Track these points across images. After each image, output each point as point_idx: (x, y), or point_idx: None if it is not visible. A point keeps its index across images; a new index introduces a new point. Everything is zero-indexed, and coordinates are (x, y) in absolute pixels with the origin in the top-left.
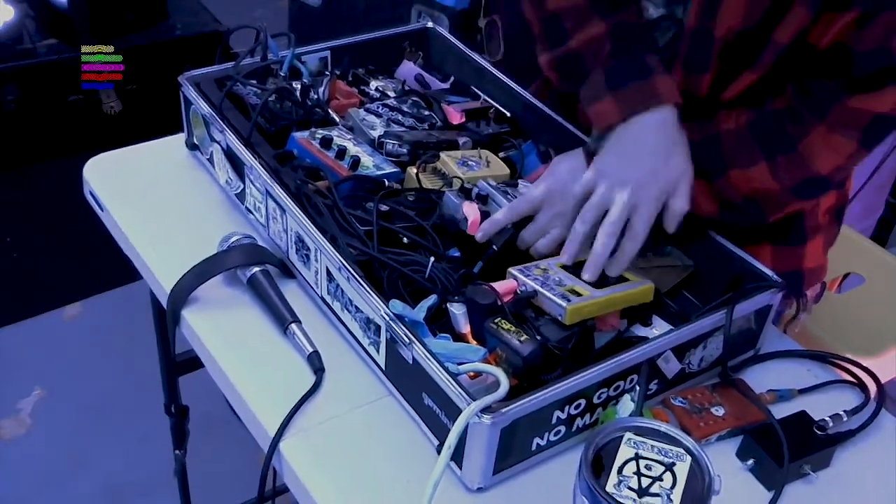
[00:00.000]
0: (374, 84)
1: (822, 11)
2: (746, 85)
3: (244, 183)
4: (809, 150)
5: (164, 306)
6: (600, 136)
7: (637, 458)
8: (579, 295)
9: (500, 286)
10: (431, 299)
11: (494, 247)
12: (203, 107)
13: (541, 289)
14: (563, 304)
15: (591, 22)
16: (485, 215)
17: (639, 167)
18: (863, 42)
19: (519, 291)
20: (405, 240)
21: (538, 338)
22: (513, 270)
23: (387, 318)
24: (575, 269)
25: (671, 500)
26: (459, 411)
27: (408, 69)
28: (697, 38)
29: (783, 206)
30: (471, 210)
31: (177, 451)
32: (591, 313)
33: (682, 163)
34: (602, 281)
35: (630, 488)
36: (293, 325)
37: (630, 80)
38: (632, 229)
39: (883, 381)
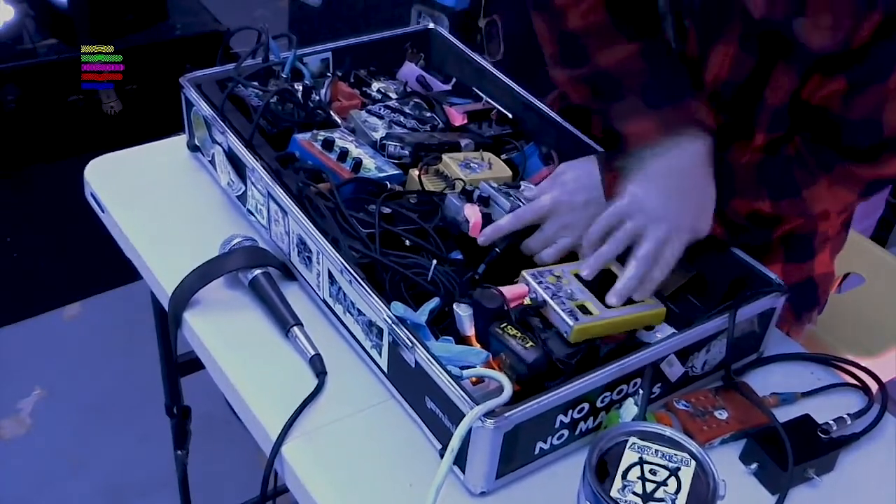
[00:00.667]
0: (375, 85)
1: (809, 74)
2: (757, 146)
3: (246, 185)
4: (812, 196)
5: (166, 308)
6: (631, 154)
7: (641, 462)
8: (589, 313)
9: (509, 290)
10: (434, 302)
11: (497, 249)
12: (204, 108)
13: (551, 300)
14: (571, 322)
15: (617, 42)
16: (486, 217)
17: (679, 204)
18: (852, 111)
19: (529, 299)
20: (407, 242)
21: (543, 348)
22: (526, 275)
23: (389, 321)
24: (589, 281)
25: None
26: (462, 415)
27: (409, 70)
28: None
29: (785, 222)
30: (472, 212)
31: (178, 452)
32: (598, 333)
33: (713, 195)
34: None
35: (635, 493)
36: (295, 328)
37: (669, 101)
38: (662, 259)
39: (884, 381)
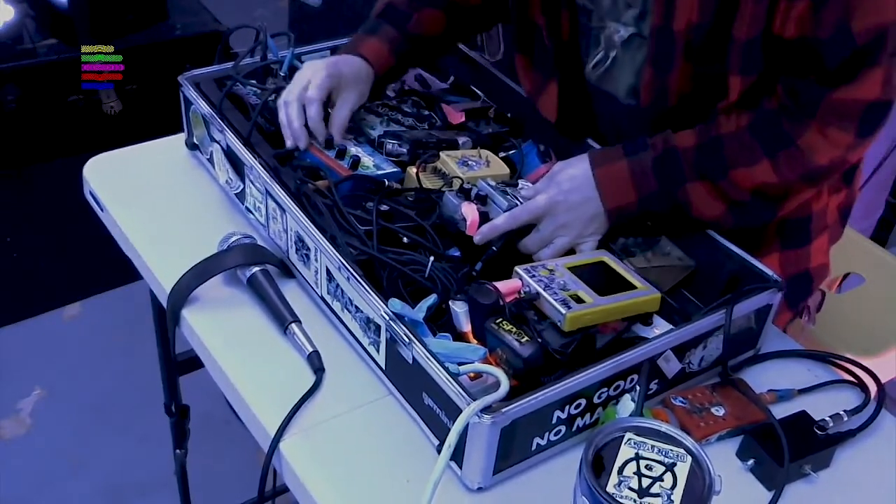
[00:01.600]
0: None
1: (775, 3)
2: (738, 93)
3: (244, 183)
4: (808, 144)
5: (164, 306)
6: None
7: (637, 458)
8: (582, 301)
9: (504, 285)
10: (431, 299)
11: (494, 247)
12: (203, 107)
13: (543, 292)
14: (563, 310)
15: None
16: (484, 216)
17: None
18: (822, 28)
19: (522, 292)
20: (405, 239)
21: (539, 341)
22: (519, 269)
23: (386, 318)
24: (582, 272)
25: (672, 501)
26: (460, 411)
27: None
28: (661, 37)
29: (791, 195)
30: (469, 211)
31: (177, 451)
32: (592, 321)
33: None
34: (607, 288)
35: (630, 488)
36: (293, 325)
37: None
38: None
39: (883, 381)
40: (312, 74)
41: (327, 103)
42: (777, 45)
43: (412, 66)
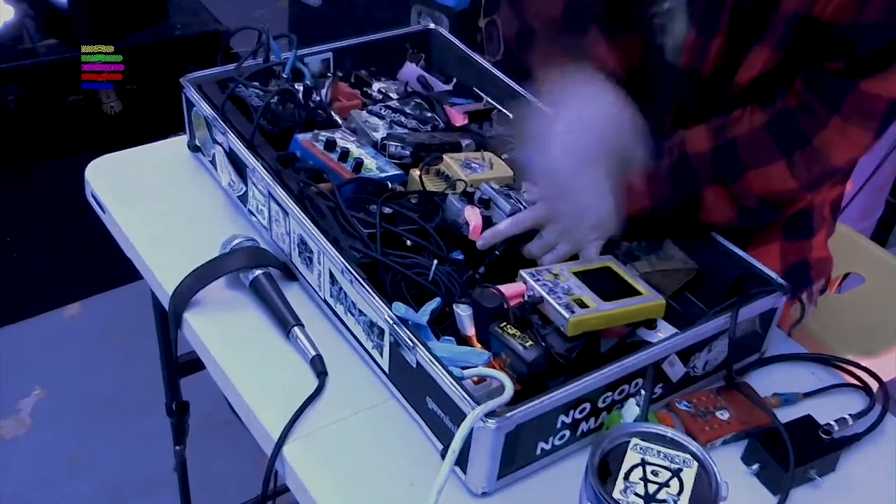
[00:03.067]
0: (376, 86)
1: None
2: (760, 68)
3: (247, 185)
4: (825, 143)
5: (166, 308)
6: None
7: (643, 463)
8: (586, 306)
9: (508, 289)
10: (435, 302)
11: (497, 252)
12: (205, 109)
13: (547, 296)
14: (567, 315)
15: None
16: (487, 220)
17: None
18: (867, 14)
19: (526, 296)
20: (408, 242)
21: (543, 345)
22: (523, 273)
23: (390, 321)
24: (587, 277)
25: None
26: (464, 415)
27: (410, 71)
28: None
29: (796, 202)
30: (472, 215)
31: (177, 447)
32: (596, 326)
33: None
34: (612, 293)
35: (637, 494)
36: (296, 329)
37: None
38: None
39: (884, 381)
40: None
41: None
42: (814, 28)
43: None
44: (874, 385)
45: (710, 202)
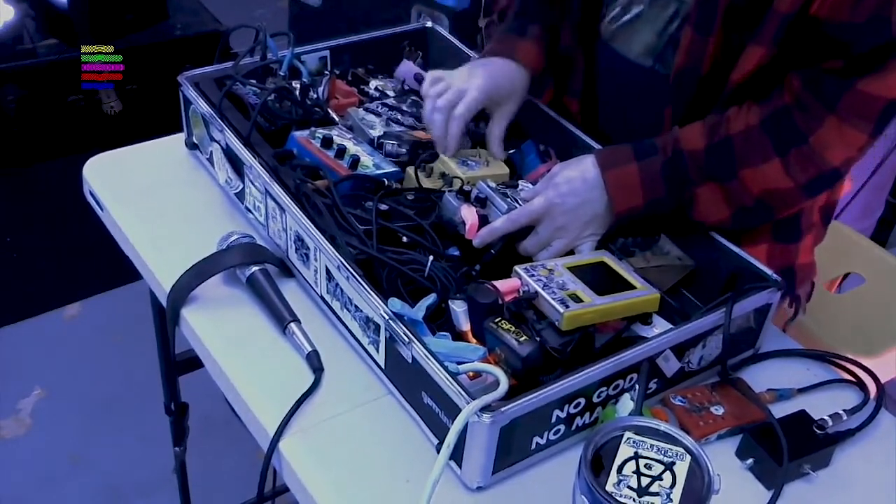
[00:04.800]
0: (373, 83)
1: None
2: (754, 65)
3: (243, 182)
4: (821, 142)
5: (164, 306)
6: None
7: (637, 457)
8: (580, 301)
9: (503, 284)
10: (430, 298)
11: (493, 250)
12: (202, 106)
13: (542, 291)
14: (561, 309)
15: None
16: (483, 218)
17: None
18: (858, 11)
19: (521, 292)
20: (404, 239)
21: (538, 340)
22: (518, 269)
23: (386, 317)
24: (581, 272)
25: (671, 500)
26: (459, 410)
27: (407, 69)
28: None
29: (793, 205)
30: (469, 214)
31: (176, 448)
32: (591, 320)
33: None
34: (607, 287)
35: (630, 487)
36: (292, 325)
37: None
38: None
39: (883, 381)
40: (469, 87)
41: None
42: (809, 26)
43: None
44: (868, 380)
45: (703, 202)
